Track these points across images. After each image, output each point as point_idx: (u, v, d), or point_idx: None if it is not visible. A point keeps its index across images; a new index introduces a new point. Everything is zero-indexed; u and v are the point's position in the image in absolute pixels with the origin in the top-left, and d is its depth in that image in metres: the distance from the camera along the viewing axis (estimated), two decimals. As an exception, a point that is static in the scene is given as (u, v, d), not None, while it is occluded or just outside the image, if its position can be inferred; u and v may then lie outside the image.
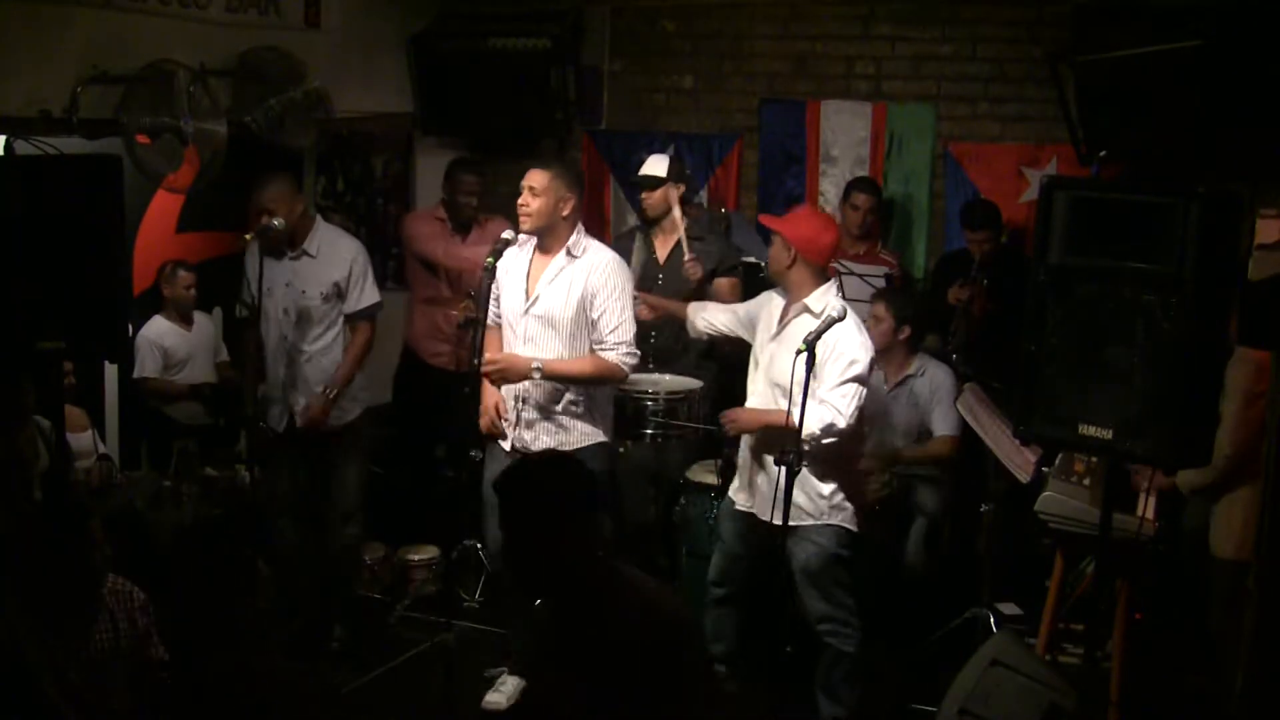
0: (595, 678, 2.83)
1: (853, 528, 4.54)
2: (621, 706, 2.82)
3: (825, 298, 4.43)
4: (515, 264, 4.83)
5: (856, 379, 4.33)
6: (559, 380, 4.70)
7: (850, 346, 4.34)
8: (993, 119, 6.50)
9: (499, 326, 4.90)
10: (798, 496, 4.31)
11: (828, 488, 4.50)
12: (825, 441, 4.33)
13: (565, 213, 4.68)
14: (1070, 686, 3.96)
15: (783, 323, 4.53)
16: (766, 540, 4.49)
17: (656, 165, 5.87)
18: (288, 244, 5.21)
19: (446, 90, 6.92)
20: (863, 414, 4.49)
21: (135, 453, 6.39)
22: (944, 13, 6.50)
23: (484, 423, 4.84)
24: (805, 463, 4.29)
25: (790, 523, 4.25)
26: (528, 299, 4.74)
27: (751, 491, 4.65)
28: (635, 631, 2.82)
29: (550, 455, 4.10)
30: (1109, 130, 5.36)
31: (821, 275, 4.52)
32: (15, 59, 4.81)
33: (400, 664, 5.21)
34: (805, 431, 4.17)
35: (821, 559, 4.49)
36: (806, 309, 4.44)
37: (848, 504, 4.52)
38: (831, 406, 4.29)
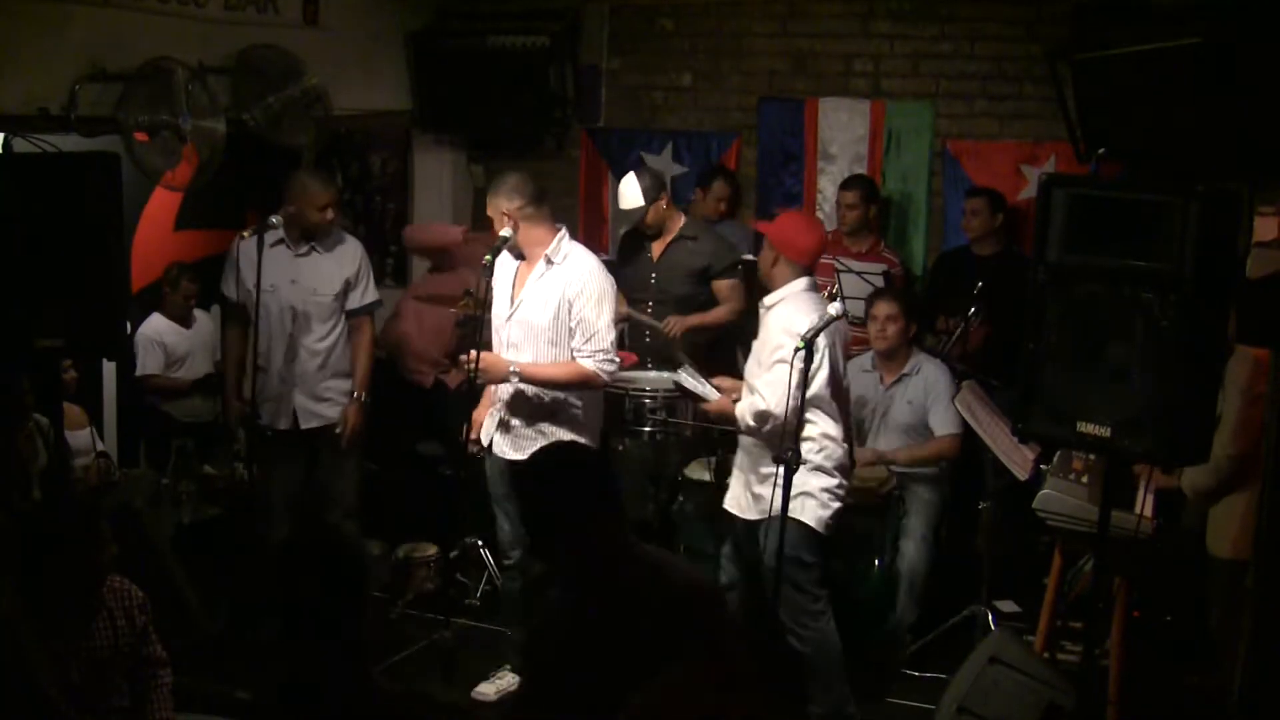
0: (632, 651, 2.87)
1: (811, 524, 4.44)
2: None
3: (779, 293, 4.50)
4: (504, 271, 4.84)
5: (779, 361, 4.36)
6: (536, 384, 4.69)
7: (778, 333, 4.41)
8: (991, 117, 6.51)
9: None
10: (763, 490, 4.46)
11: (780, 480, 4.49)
12: (765, 429, 4.39)
13: (517, 223, 4.64)
14: (1069, 684, 3.97)
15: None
16: (742, 535, 4.63)
17: (631, 198, 5.74)
18: (301, 239, 5.23)
19: (445, 88, 6.92)
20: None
21: (134, 450, 6.39)
22: (943, 11, 6.50)
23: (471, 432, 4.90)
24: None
25: (757, 516, 4.47)
26: (511, 305, 4.77)
27: (732, 490, 4.73)
28: (675, 602, 2.89)
29: (566, 444, 4.14)
30: (1108, 128, 5.35)
31: (800, 274, 4.53)
32: (14, 57, 4.81)
33: (399, 661, 5.20)
34: (741, 424, 4.41)
35: (774, 559, 4.46)
36: (763, 305, 4.55)
37: (811, 500, 4.46)
38: (759, 394, 4.38)
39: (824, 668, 4.58)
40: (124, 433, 6.42)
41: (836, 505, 4.48)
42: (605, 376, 4.72)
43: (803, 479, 4.38)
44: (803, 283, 4.51)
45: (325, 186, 5.28)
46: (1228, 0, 4.91)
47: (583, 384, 4.72)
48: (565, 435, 4.71)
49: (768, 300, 4.54)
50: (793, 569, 4.42)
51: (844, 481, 4.53)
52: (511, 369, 4.64)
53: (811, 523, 4.44)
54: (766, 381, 4.36)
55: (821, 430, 4.47)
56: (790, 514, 4.33)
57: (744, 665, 3.08)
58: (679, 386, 4.74)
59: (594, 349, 4.65)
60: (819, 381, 4.39)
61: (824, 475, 4.46)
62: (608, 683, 2.90)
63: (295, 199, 5.14)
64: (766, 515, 4.40)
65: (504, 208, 4.64)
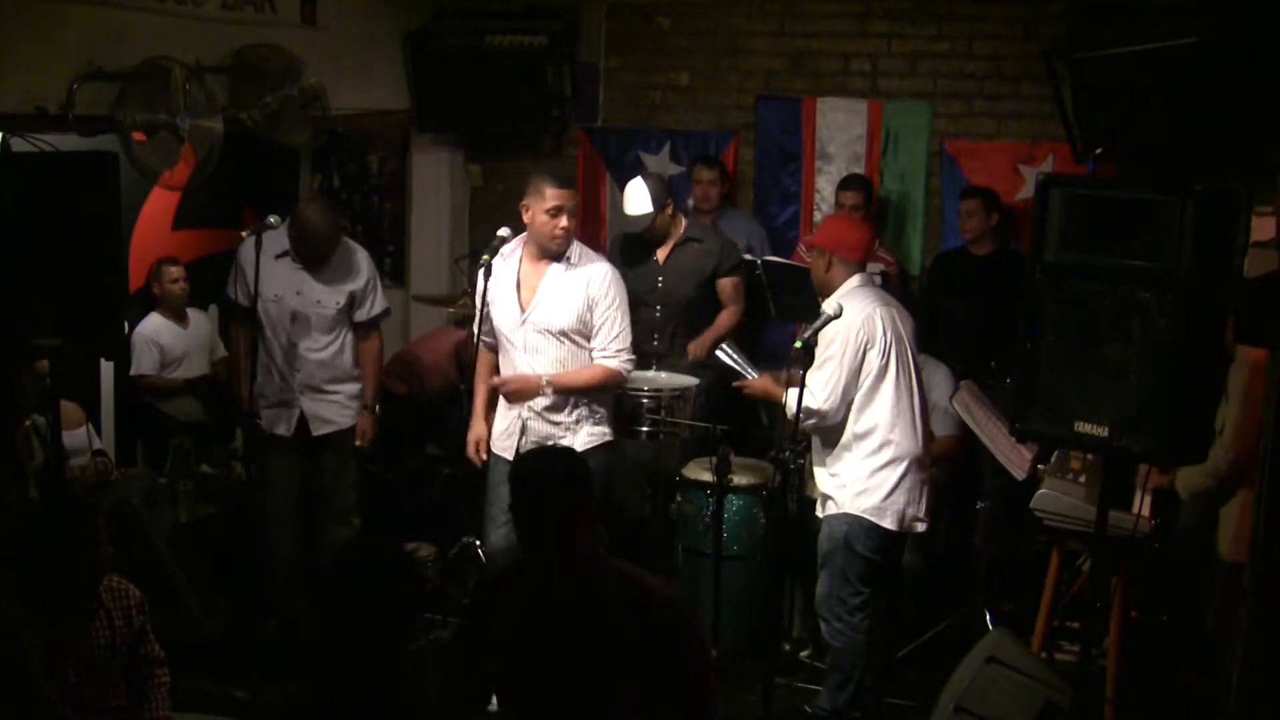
0: (589, 654, 2.90)
1: (874, 520, 4.49)
2: (617, 685, 2.89)
3: (837, 295, 4.51)
4: (503, 274, 4.84)
5: (829, 359, 4.43)
6: (567, 392, 4.77)
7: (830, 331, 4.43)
8: (989, 116, 6.51)
9: (490, 348, 4.98)
10: (824, 484, 4.61)
11: (844, 478, 4.55)
12: (808, 423, 4.47)
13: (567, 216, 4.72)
14: (1066, 684, 3.97)
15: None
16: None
17: (640, 203, 5.70)
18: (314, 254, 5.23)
19: (443, 87, 6.92)
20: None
21: (131, 449, 6.38)
22: (940, 10, 6.51)
23: (469, 448, 4.97)
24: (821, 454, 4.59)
25: (823, 510, 4.64)
26: (523, 309, 4.77)
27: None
28: (650, 617, 2.91)
29: (555, 448, 4.17)
30: (1105, 127, 5.37)
31: (855, 270, 4.58)
32: (11, 56, 4.80)
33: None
34: (788, 410, 4.42)
35: (830, 543, 4.58)
36: (824, 310, 4.47)
37: (869, 498, 4.49)
38: (809, 390, 4.40)
39: (845, 664, 4.63)
40: (121, 431, 6.40)
41: (901, 499, 4.51)
42: (627, 373, 4.88)
43: (848, 475, 4.52)
44: (856, 279, 4.58)
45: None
46: None
47: (609, 384, 4.87)
48: (586, 429, 4.84)
49: (827, 304, 4.50)
50: (843, 555, 4.53)
51: (909, 473, 4.52)
52: (545, 381, 4.71)
53: (872, 518, 4.51)
54: (816, 379, 4.41)
55: (881, 425, 4.50)
56: (849, 511, 4.51)
57: (708, 684, 3.11)
58: (721, 360, 4.91)
59: (617, 349, 4.79)
60: (873, 377, 4.48)
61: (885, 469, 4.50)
62: (569, 693, 2.92)
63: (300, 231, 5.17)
64: (831, 509, 4.60)
65: (573, 200, 4.70)
